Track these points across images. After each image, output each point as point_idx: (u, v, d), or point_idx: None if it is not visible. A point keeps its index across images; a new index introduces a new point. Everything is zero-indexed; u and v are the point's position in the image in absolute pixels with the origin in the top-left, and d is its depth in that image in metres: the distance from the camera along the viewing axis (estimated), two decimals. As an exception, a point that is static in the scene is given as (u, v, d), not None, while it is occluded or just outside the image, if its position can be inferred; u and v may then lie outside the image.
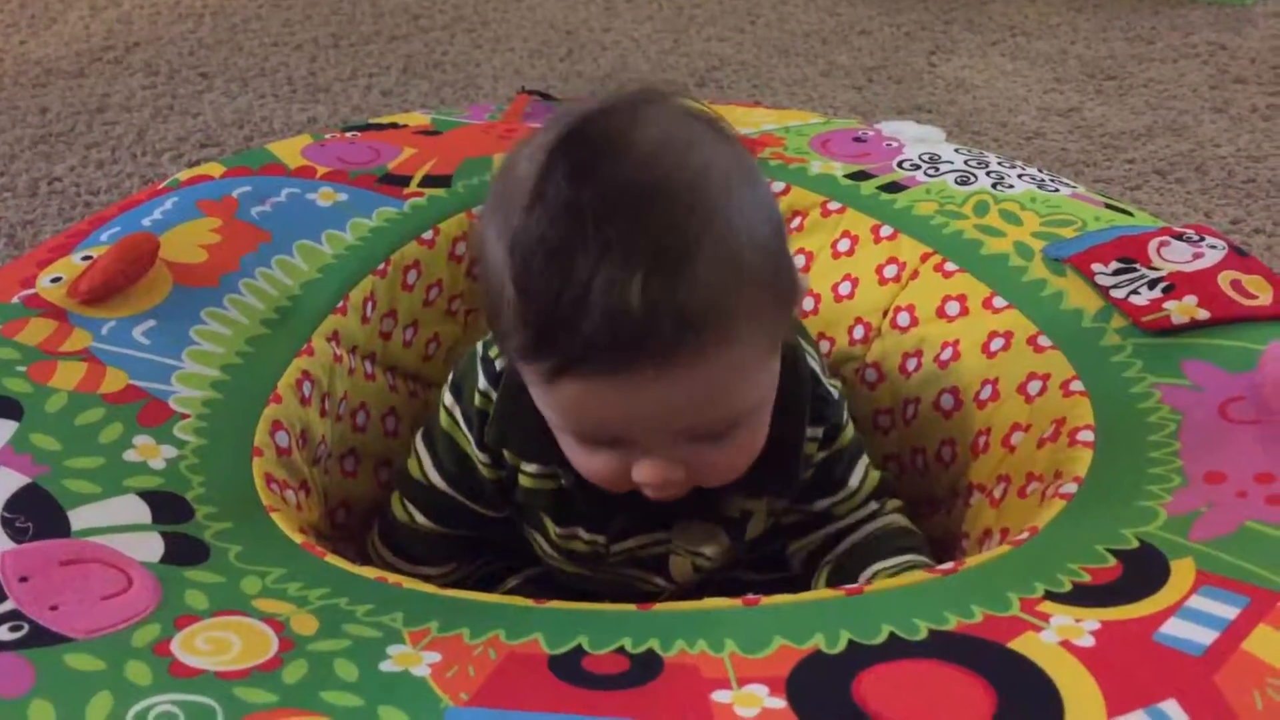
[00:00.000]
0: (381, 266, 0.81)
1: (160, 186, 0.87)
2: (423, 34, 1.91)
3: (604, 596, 0.68)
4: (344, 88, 1.71)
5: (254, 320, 0.75)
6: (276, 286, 0.78)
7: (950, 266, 0.80)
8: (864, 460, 0.73)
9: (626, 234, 0.51)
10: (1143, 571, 0.55)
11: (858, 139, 0.94)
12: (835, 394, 0.69)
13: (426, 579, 0.64)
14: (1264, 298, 0.71)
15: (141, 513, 0.60)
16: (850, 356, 0.84)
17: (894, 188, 0.87)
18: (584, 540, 0.70)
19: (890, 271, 0.83)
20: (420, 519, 0.73)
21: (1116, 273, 0.74)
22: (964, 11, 2.06)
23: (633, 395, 0.55)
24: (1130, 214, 0.83)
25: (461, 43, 1.89)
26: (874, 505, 0.73)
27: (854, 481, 0.71)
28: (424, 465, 0.72)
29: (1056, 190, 0.86)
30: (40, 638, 0.50)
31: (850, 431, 0.71)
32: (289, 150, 0.92)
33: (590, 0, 2.07)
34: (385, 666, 0.50)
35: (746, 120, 0.99)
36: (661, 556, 0.71)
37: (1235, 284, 0.71)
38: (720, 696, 0.48)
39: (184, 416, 0.67)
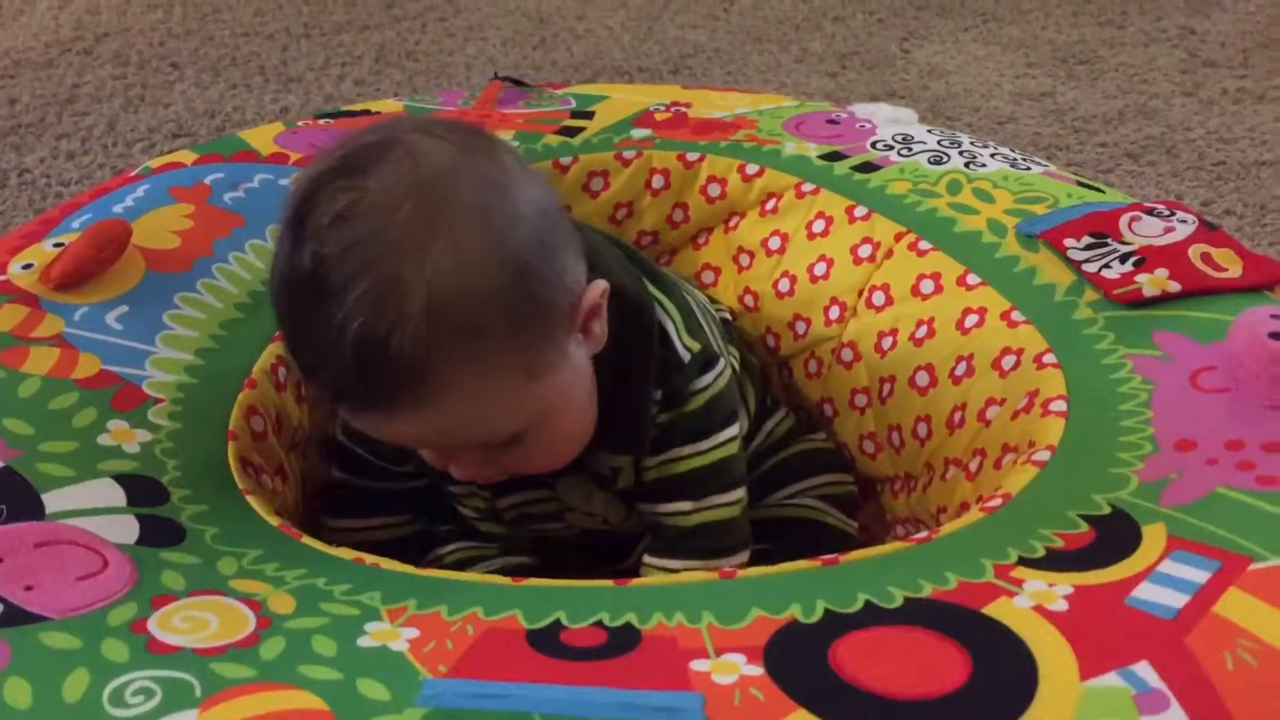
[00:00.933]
0: (356, 250, 0.81)
1: (132, 174, 0.86)
2: (395, 23, 1.91)
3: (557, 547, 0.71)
4: (316, 77, 1.70)
5: (228, 304, 0.75)
6: (250, 271, 0.77)
7: (924, 245, 0.81)
8: (721, 436, 0.70)
9: (348, 286, 0.53)
10: (1115, 536, 0.56)
11: (831, 121, 0.95)
12: (687, 356, 0.68)
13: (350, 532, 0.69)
14: (1233, 270, 0.71)
15: (116, 496, 0.60)
16: (826, 336, 0.85)
17: (868, 168, 0.88)
18: (479, 496, 0.72)
19: (865, 251, 0.83)
20: (335, 471, 0.76)
21: (1088, 247, 0.75)
22: (936, -2, 2.06)
23: (389, 427, 0.59)
24: (1102, 191, 0.84)
25: (434, 31, 1.88)
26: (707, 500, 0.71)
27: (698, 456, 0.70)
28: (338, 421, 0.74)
29: (1029, 169, 0.86)
30: (16, 617, 0.50)
31: (700, 400, 0.69)
32: (262, 137, 0.91)
33: (564, -11, 2.07)
34: (363, 642, 0.50)
35: (721, 104, 0.99)
36: (555, 513, 0.73)
37: (1205, 257, 0.72)
38: (699, 665, 0.49)
39: (158, 401, 0.67)
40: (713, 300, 0.84)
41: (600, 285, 0.62)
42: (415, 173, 0.55)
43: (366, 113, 0.97)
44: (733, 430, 0.70)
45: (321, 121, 0.95)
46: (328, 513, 0.77)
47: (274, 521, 0.61)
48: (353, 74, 1.72)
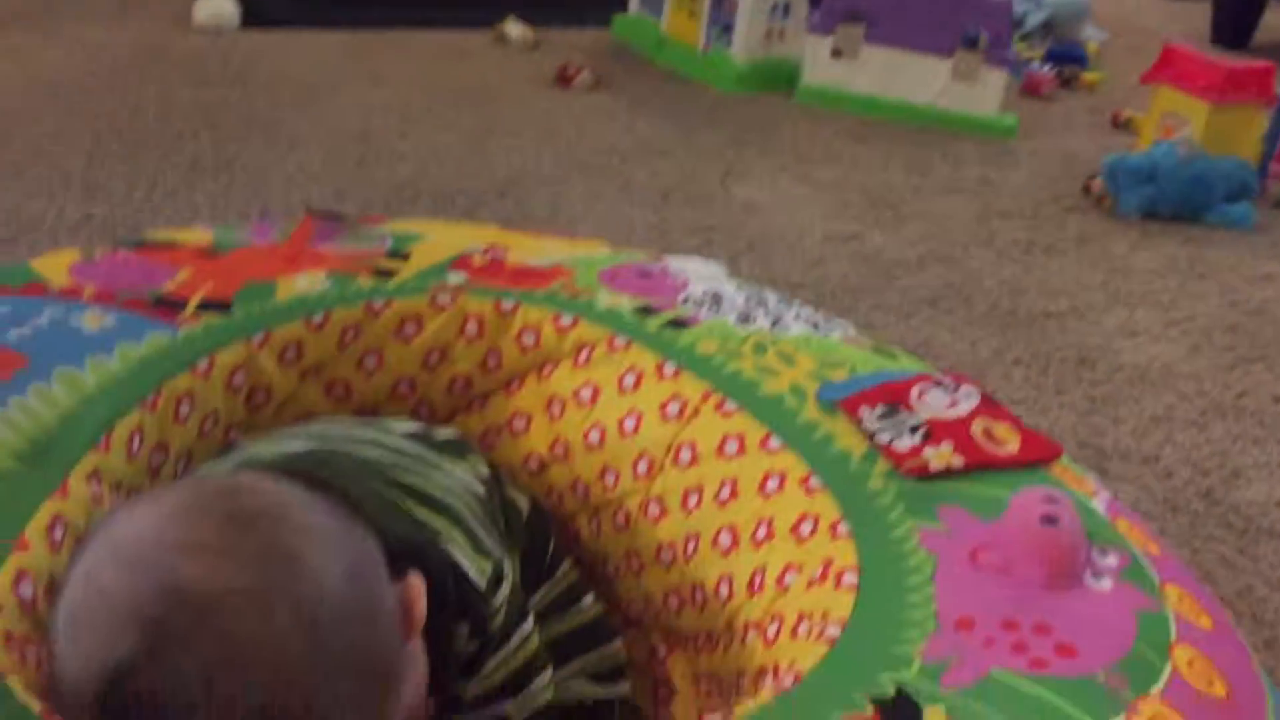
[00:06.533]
0: (151, 399, 0.78)
1: (-94, 302, 0.81)
2: (212, 131, 1.87)
3: None
4: (125, 186, 1.65)
5: (4, 455, 0.70)
6: (31, 418, 0.73)
7: (729, 406, 0.83)
8: (522, 632, 0.73)
9: None
10: (899, 721, 0.57)
11: (643, 274, 0.97)
12: (483, 582, 0.70)
13: None
14: (1011, 445, 0.76)
15: None
16: (634, 490, 0.86)
17: (678, 324, 0.90)
18: None
19: (673, 409, 0.85)
20: None
21: (881, 416, 0.78)
22: (757, 136, 2.16)
23: None
24: (895, 357, 0.88)
25: (254, 144, 1.85)
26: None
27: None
28: None
29: (830, 334, 0.90)
30: None
31: (500, 616, 0.71)
32: (55, 266, 0.87)
33: (388, 109, 2.07)
34: None
35: (537, 250, 1.00)
36: None
37: (986, 432, 0.76)
38: None
39: (-84, 564, 0.62)
40: (472, 463, 0.82)
41: (417, 587, 0.62)
42: (224, 646, 0.54)
43: (172, 244, 0.95)
44: (528, 624, 0.72)
45: (121, 252, 0.92)
46: None
47: (34, 706, 0.56)
48: (166, 182, 1.67)
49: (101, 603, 0.55)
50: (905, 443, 0.76)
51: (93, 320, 0.82)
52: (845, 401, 0.80)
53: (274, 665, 0.55)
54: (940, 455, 0.74)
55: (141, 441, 0.77)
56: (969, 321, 1.55)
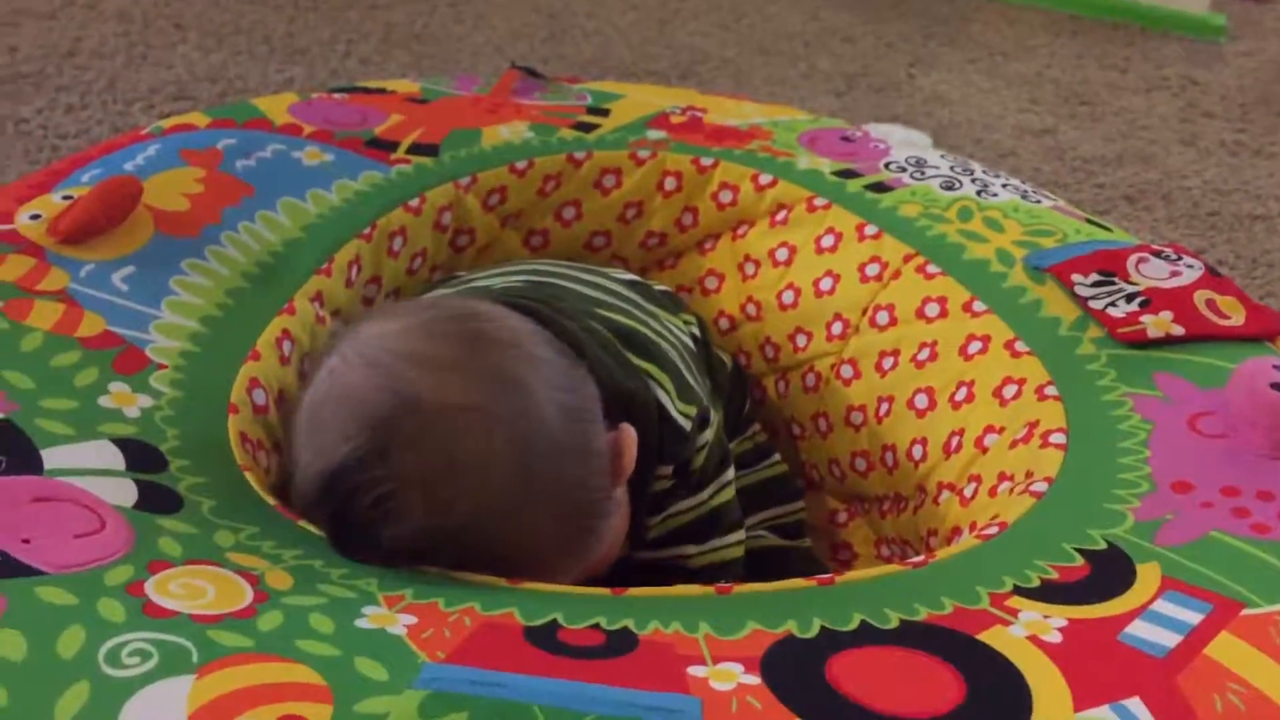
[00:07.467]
0: (368, 231, 0.81)
1: (143, 132, 0.85)
2: (405, 4, 1.90)
3: None
4: (322, 51, 1.69)
5: (235, 274, 0.74)
6: (259, 241, 0.77)
7: (932, 269, 0.81)
8: (720, 482, 0.73)
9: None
10: (1110, 572, 0.56)
11: (845, 138, 0.95)
12: (687, 425, 0.69)
13: None
14: (1236, 318, 0.72)
15: (115, 459, 0.59)
16: (827, 351, 0.85)
17: (880, 188, 0.88)
18: None
19: (872, 270, 0.84)
20: None
21: (1095, 284, 0.76)
22: (945, 28, 2.08)
23: None
24: (1109, 230, 0.84)
25: (443, 16, 1.87)
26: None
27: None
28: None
29: (1039, 202, 0.87)
30: (12, 569, 0.49)
31: (700, 457, 0.71)
32: (275, 106, 0.91)
33: (575, -15, 2.06)
34: (361, 624, 0.50)
35: (735, 112, 0.99)
36: None
37: (1210, 303, 0.73)
38: (696, 671, 0.49)
39: (161, 367, 0.66)
40: (684, 320, 0.82)
41: (630, 436, 0.64)
42: (446, 454, 0.57)
43: (382, 91, 0.97)
44: (728, 475, 0.72)
45: (337, 95, 0.95)
46: None
47: (270, 501, 0.60)
48: (359, 51, 1.71)
49: (342, 399, 0.58)
50: (1121, 310, 0.73)
51: (312, 156, 0.85)
52: (1056, 267, 0.77)
53: (487, 482, 0.57)
54: (1159, 323, 0.71)
55: (359, 270, 0.80)
56: (1169, 220, 1.47)
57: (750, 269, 0.90)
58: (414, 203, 0.84)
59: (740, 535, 0.74)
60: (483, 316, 0.62)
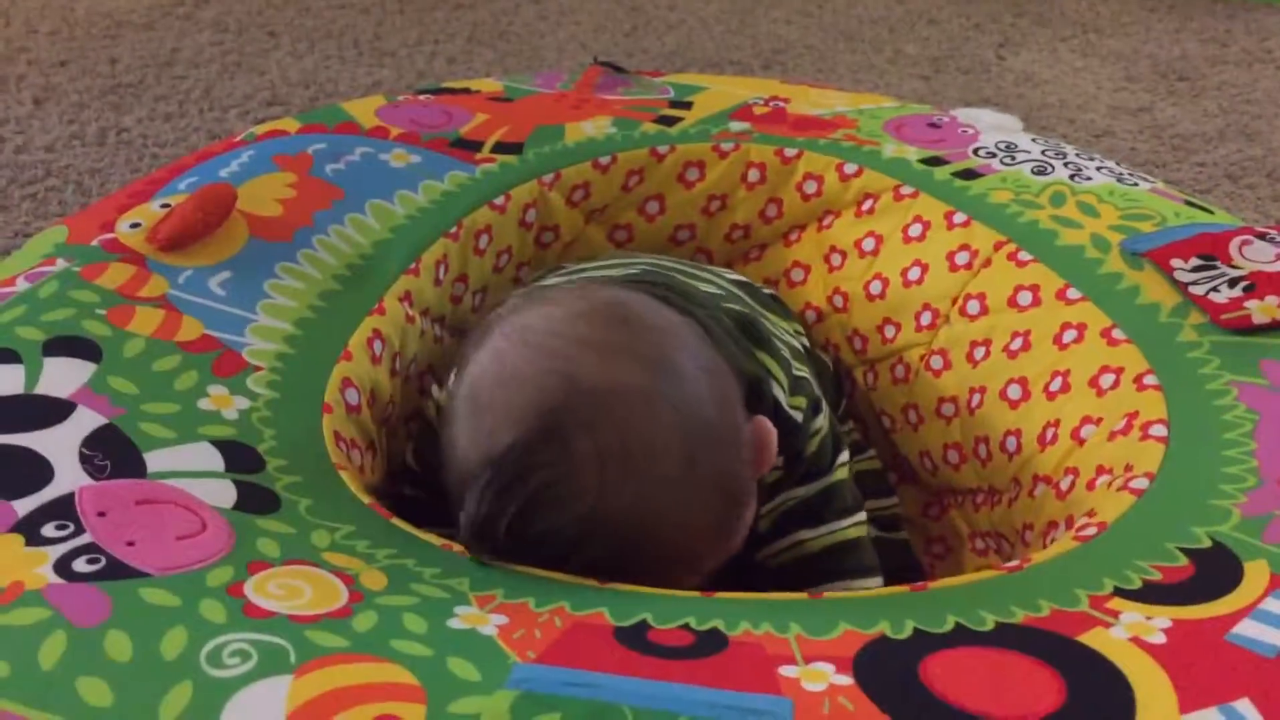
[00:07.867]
0: (454, 230, 0.82)
1: (236, 139, 0.87)
2: (489, 3, 1.92)
3: None
4: (409, 53, 1.72)
5: (326, 276, 0.76)
6: (349, 243, 0.78)
7: (1024, 256, 0.79)
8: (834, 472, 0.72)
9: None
10: (1215, 571, 0.54)
11: (932, 124, 0.93)
12: (800, 417, 0.69)
13: None
14: (1348, 303, 0.69)
15: (214, 460, 0.61)
16: (916, 342, 0.84)
17: (969, 175, 0.87)
18: None
19: (962, 259, 0.82)
20: (406, 489, 0.73)
21: (1196, 269, 0.73)
22: (1034, 6, 2.03)
23: None
24: (1210, 212, 0.82)
25: (527, 13, 1.89)
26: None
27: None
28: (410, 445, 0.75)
29: (1135, 185, 0.84)
30: (117, 571, 0.51)
31: (814, 443, 0.70)
32: (364, 110, 0.92)
33: (657, -23, 2.06)
34: (453, 624, 0.51)
35: (820, 101, 0.98)
36: None
37: (1319, 287, 0.70)
38: (787, 671, 0.48)
39: (257, 369, 0.68)
40: (794, 328, 0.82)
41: (770, 430, 0.63)
42: (619, 436, 0.57)
43: (466, 91, 0.98)
44: (843, 456, 0.71)
45: (422, 97, 0.96)
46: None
47: (365, 499, 0.61)
48: (445, 51, 1.73)
49: (509, 380, 0.58)
50: (1224, 295, 0.70)
51: (399, 158, 0.86)
52: (1155, 252, 0.75)
53: (656, 461, 0.57)
54: (1265, 308, 0.69)
55: (446, 269, 0.81)
56: (1275, 198, 1.42)
57: (836, 260, 0.89)
58: (499, 201, 0.85)
59: (860, 516, 0.72)
60: (634, 302, 0.62)
